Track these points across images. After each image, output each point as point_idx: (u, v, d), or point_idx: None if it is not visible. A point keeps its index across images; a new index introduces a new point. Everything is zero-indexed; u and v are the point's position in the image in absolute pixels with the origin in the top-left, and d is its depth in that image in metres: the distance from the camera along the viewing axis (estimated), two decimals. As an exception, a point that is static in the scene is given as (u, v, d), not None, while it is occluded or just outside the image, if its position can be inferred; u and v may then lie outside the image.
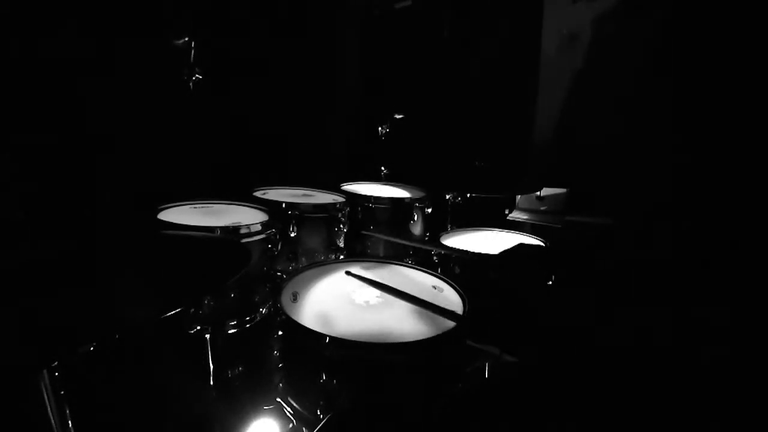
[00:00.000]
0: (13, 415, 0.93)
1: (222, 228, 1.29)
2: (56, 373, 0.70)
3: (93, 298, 0.65)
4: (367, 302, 1.14)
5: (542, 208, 2.01)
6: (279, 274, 1.58)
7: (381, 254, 1.84)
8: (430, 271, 1.37)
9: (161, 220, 1.32)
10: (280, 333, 1.19)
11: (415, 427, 0.89)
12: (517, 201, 2.12)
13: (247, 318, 1.38)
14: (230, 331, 1.35)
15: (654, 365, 0.82)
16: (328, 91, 2.55)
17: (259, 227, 1.37)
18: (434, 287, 1.28)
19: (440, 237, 1.71)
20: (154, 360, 1.36)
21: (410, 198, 1.87)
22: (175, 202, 1.51)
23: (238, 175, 1.94)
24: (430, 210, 1.92)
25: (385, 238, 1.77)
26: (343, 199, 1.79)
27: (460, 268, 1.51)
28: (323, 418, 0.91)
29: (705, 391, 0.75)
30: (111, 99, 1.53)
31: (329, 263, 1.41)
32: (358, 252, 1.84)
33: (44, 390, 0.69)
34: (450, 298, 1.21)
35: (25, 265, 0.73)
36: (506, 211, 2.13)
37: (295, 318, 1.00)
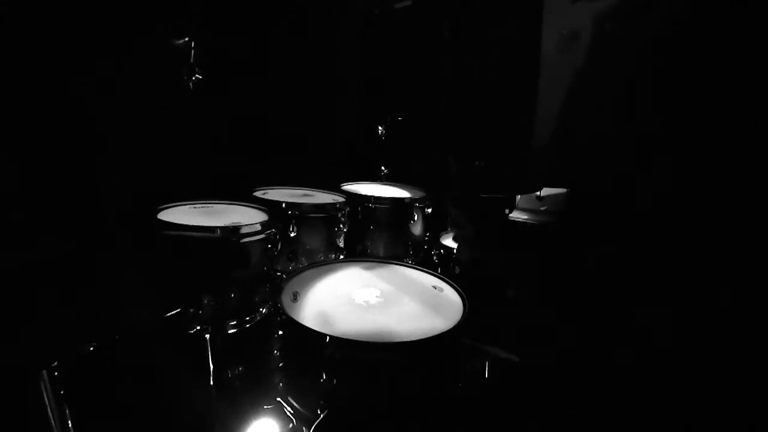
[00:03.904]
0: (13, 415, 0.93)
1: (222, 228, 1.29)
2: (56, 373, 0.70)
3: (93, 298, 0.65)
4: (367, 302, 1.14)
5: (542, 208, 2.00)
6: (279, 274, 1.57)
7: (381, 254, 1.84)
8: (430, 271, 1.37)
9: (161, 220, 1.32)
10: (280, 333, 1.19)
11: (414, 427, 0.88)
12: (517, 201, 2.12)
13: (247, 318, 1.38)
14: (230, 331, 1.35)
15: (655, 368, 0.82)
16: (328, 91, 2.55)
17: (258, 227, 1.37)
18: (434, 287, 1.28)
19: (440, 237, 1.71)
20: (154, 360, 1.36)
21: (410, 198, 1.87)
22: (175, 202, 1.51)
23: (238, 175, 1.94)
24: (430, 210, 1.92)
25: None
26: (343, 199, 1.79)
27: (459, 268, 1.51)
28: (321, 415, 0.91)
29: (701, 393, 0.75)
30: (111, 98, 1.53)
31: (329, 263, 1.41)
32: (358, 252, 1.84)
33: (44, 390, 0.69)
34: (450, 298, 1.22)
35: (25, 265, 0.73)
36: (506, 211, 2.12)
37: (295, 318, 1.00)
